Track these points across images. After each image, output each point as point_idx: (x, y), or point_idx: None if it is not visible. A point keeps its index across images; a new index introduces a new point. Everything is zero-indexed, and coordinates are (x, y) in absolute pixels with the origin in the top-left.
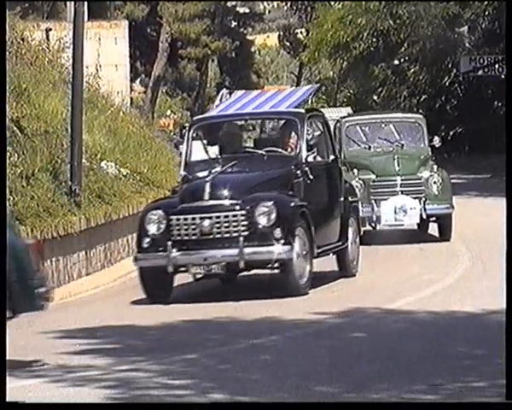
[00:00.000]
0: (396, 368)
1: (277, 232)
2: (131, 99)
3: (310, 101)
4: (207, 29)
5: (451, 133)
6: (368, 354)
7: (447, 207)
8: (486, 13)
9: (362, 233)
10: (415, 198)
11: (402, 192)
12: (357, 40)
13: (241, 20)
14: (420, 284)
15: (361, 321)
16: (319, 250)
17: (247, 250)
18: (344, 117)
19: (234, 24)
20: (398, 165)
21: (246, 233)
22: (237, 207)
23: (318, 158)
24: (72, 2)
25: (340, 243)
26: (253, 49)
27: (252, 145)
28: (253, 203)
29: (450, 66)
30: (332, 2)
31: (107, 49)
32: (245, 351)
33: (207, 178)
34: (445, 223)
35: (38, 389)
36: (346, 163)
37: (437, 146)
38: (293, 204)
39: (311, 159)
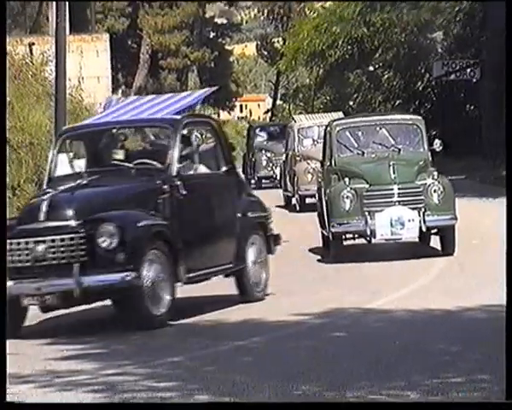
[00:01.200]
0: (375, 366)
1: (120, 257)
2: None
3: (289, 107)
4: (187, 40)
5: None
6: (348, 353)
7: (450, 218)
8: (458, 19)
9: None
10: (413, 209)
11: (399, 202)
12: (332, 48)
13: (219, 30)
14: (398, 283)
15: (341, 321)
16: (193, 274)
17: (86, 279)
18: (334, 120)
19: (212, 34)
20: (394, 172)
21: (85, 259)
22: (75, 229)
23: (204, 170)
24: (54, 17)
25: (231, 266)
26: (231, 59)
27: (122, 157)
28: (94, 224)
29: (423, 71)
30: (307, 12)
31: (89, 62)
32: (228, 353)
33: (45, 196)
34: (447, 236)
35: (28, 395)
36: (336, 171)
37: (437, 150)
38: (142, 224)
39: (189, 171)
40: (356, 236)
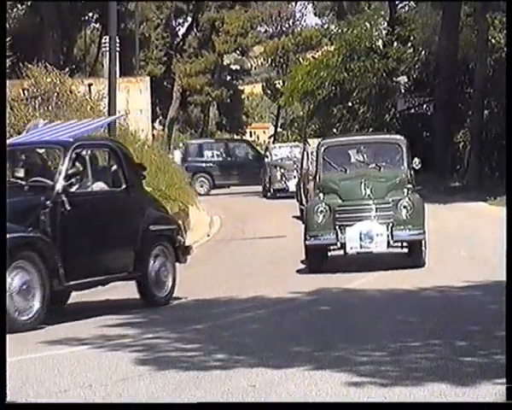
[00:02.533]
0: (352, 332)
1: None
2: (153, 135)
3: (287, 133)
4: (209, 82)
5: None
6: (331, 322)
7: (418, 233)
8: (417, 66)
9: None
10: (383, 224)
11: (369, 217)
12: (320, 88)
13: (233, 74)
14: (370, 268)
15: (326, 298)
16: (76, 282)
17: None
18: (323, 139)
19: (228, 78)
20: (365, 189)
21: None
22: None
23: (101, 187)
24: (108, 64)
25: (125, 274)
26: (243, 96)
27: (22, 175)
28: None
29: (390, 106)
30: (301, 60)
31: (134, 98)
32: (239, 322)
33: None
34: (415, 249)
35: (86, 354)
36: (319, 187)
37: (416, 168)
38: (12, 236)
39: (79, 188)
40: (332, 248)
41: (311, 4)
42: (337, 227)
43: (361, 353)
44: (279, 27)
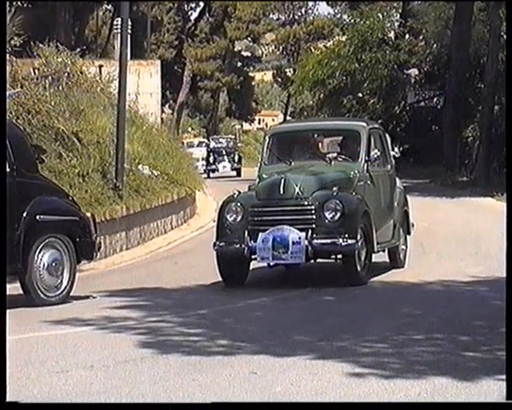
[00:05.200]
0: (355, 323)
1: None
2: (162, 119)
3: None
4: (219, 67)
5: (400, 149)
6: (335, 312)
7: (346, 244)
8: (428, 59)
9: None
10: (302, 229)
11: (286, 222)
12: (330, 78)
13: (244, 61)
14: (378, 259)
15: (330, 288)
16: None
17: None
18: (272, 127)
19: (239, 64)
20: (285, 187)
21: None
22: None
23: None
24: (119, 46)
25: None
26: (253, 83)
27: None
28: None
29: (400, 98)
30: (312, 49)
31: (145, 82)
32: (243, 309)
33: None
34: (346, 262)
35: (89, 335)
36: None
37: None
38: None
39: None
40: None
41: None
42: (248, 232)
43: (363, 344)
44: (291, 15)
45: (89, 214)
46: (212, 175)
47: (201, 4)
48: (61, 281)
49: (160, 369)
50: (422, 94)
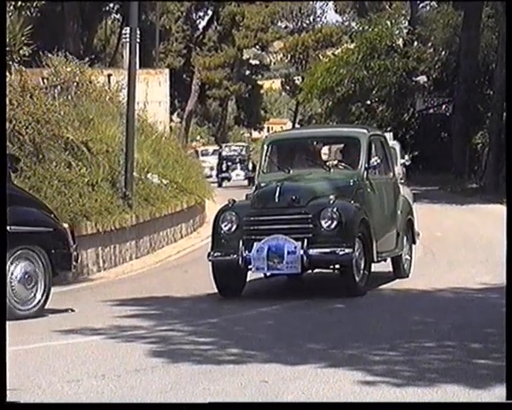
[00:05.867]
0: (366, 331)
1: None
2: (170, 127)
3: None
4: (228, 76)
5: (410, 156)
6: (345, 320)
7: (343, 253)
8: (437, 66)
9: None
10: (298, 239)
11: (281, 231)
12: (339, 85)
13: (253, 69)
14: (384, 269)
15: (342, 296)
16: None
17: None
18: (269, 134)
19: (247, 72)
20: (280, 195)
21: None
22: None
23: None
24: (128, 55)
25: None
26: (261, 92)
27: None
28: None
29: (408, 105)
30: (321, 57)
31: (153, 90)
32: (253, 317)
33: None
34: (345, 273)
35: (99, 344)
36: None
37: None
38: None
39: None
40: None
41: (332, 2)
42: (242, 241)
43: (374, 352)
44: (299, 23)
45: (66, 225)
46: (224, 184)
47: (210, 13)
48: (35, 294)
49: (171, 378)
50: (431, 101)
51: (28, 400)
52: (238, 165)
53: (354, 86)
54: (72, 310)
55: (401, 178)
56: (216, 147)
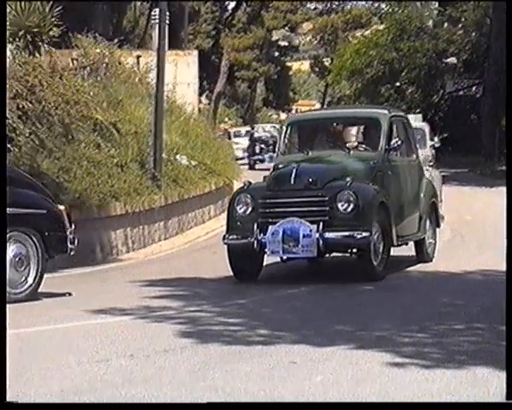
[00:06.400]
0: (394, 312)
1: None
2: (199, 109)
3: None
4: (256, 57)
5: (440, 138)
6: (373, 302)
7: (360, 236)
8: (467, 48)
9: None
10: (313, 222)
11: (297, 213)
12: (368, 67)
13: (281, 51)
14: (408, 252)
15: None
16: None
17: None
18: (290, 116)
19: (276, 54)
20: (296, 177)
21: None
22: None
23: None
24: (157, 37)
25: None
26: (290, 73)
27: None
28: None
29: (438, 87)
30: (350, 39)
31: (182, 72)
32: (281, 298)
33: None
34: (363, 256)
35: (128, 324)
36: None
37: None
38: None
39: None
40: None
41: None
42: (257, 224)
43: (403, 334)
44: (329, 4)
45: (62, 207)
46: (257, 166)
47: None
48: (27, 277)
49: (200, 358)
50: (461, 83)
51: (59, 378)
52: (271, 147)
53: (383, 68)
54: (70, 294)
55: (430, 161)
56: (248, 128)
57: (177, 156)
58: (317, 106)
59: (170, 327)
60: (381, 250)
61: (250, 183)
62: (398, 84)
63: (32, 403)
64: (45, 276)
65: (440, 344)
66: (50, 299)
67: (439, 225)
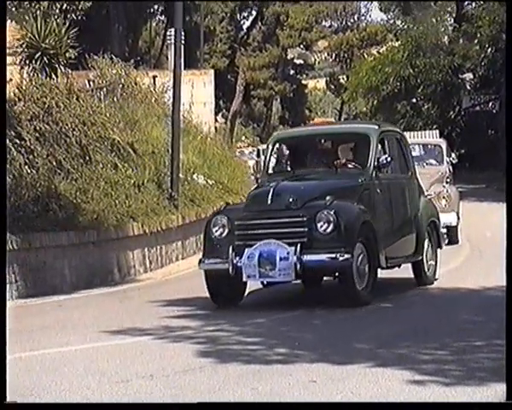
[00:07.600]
0: (414, 330)
1: None
2: (215, 128)
3: None
4: (272, 76)
5: (457, 154)
6: (392, 319)
7: (341, 259)
8: (483, 63)
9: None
10: (291, 244)
11: (273, 235)
12: (384, 84)
13: (297, 69)
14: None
15: (388, 294)
16: None
17: None
18: (277, 133)
19: (292, 72)
20: (273, 196)
21: None
22: None
23: None
24: (173, 57)
25: None
26: (306, 91)
27: None
28: None
29: (455, 103)
30: (366, 56)
31: (198, 91)
32: (300, 317)
33: None
34: (342, 279)
35: (147, 344)
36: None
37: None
38: None
39: None
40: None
41: (376, 0)
42: (233, 247)
43: (423, 351)
44: (344, 22)
45: None
46: None
47: (254, 13)
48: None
49: (220, 378)
50: (478, 98)
51: (79, 399)
52: None
53: (399, 84)
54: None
55: (448, 177)
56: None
57: (194, 176)
58: None
59: (189, 347)
60: (366, 273)
61: (228, 203)
62: (414, 100)
63: (32, 403)
64: (63, 297)
65: (461, 361)
66: (69, 320)
67: (440, 246)
